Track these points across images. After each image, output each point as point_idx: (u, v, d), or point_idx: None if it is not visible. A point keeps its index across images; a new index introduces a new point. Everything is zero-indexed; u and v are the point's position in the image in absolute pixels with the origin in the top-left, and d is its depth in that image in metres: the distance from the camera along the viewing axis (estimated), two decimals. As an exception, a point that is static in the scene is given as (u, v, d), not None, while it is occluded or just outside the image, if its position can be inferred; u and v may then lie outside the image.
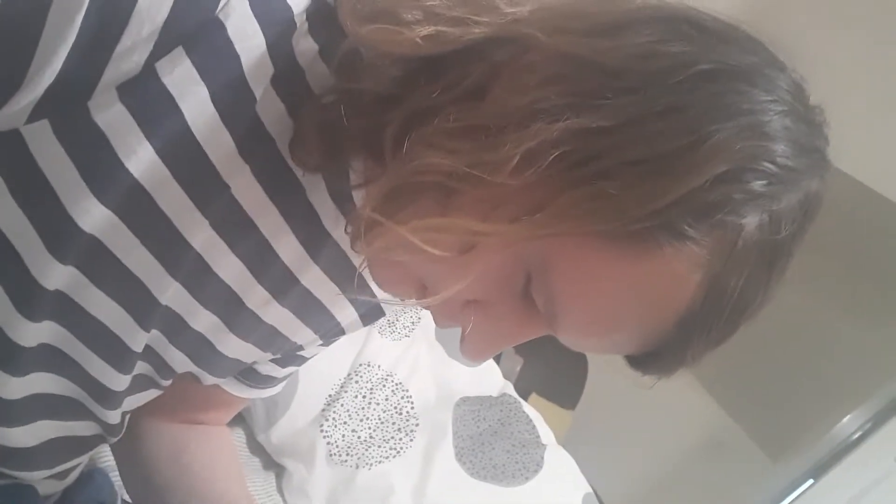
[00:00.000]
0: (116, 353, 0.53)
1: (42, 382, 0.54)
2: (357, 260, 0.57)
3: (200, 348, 0.59)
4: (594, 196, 0.38)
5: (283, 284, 0.56)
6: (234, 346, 0.60)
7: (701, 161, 0.36)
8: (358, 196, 0.51)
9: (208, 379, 0.65)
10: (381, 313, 0.71)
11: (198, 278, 0.51)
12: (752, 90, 0.38)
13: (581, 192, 0.38)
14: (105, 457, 0.89)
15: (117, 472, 0.90)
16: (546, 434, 1.58)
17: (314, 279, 0.57)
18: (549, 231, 0.39)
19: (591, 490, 1.54)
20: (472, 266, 0.42)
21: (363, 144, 0.46)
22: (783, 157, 0.38)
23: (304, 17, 0.45)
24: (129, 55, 0.39)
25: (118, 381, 0.56)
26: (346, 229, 0.51)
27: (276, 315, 0.59)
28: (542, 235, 0.39)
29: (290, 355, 0.70)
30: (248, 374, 0.70)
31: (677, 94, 0.37)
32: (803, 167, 0.39)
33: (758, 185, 0.37)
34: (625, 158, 0.37)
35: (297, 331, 0.63)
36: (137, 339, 0.53)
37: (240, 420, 1.22)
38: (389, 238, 0.42)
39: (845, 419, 1.75)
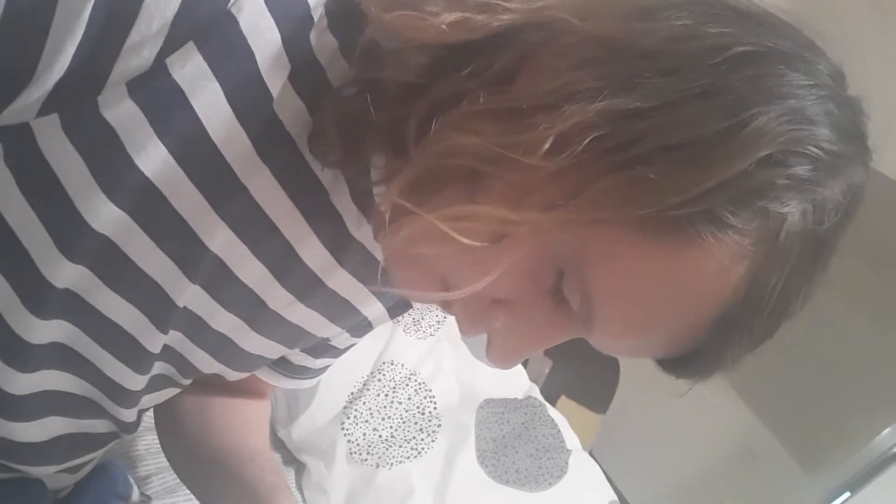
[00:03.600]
0: (133, 353, 0.52)
1: (54, 380, 0.53)
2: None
3: (223, 347, 0.58)
4: (631, 182, 0.36)
5: (307, 286, 0.55)
6: (257, 344, 0.59)
7: (743, 145, 0.35)
8: (379, 193, 0.49)
9: (232, 375, 0.64)
10: (409, 306, 0.69)
11: (218, 281, 0.50)
12: (792, 73, 0.36)
13: (617, 178, 0.36)
14: (122, 450, 0.89)
15: (134, 465, 0.90)
16: (571, 439, 1.56)
17: (340, 281, 0.56)
18: (584, 218, 0.37)
19: (615, 498, 1.51)
20: (501, 258, 0.40)
21: (385, 138, 0.44)
22: (828, 142, 0.36)
23: (323, 11, 0.43)
24: (139, 50, 0.38)
25: (135, 382, 0.55)
26: (369, 220, 0.49)
27: (300, 315, 0.58)
28: (576, 224, 0.38)
29: (321, 346, 0.69)
30: (281, 364, 0.69)
31: (716, 77, 0.35)
32: (848, 153, 0.37)
33: (802, 169, 0.36)
34: (663, 142, 0.35)
35: (323, 328, 0.62)
36: (155, 340, 0.52)
37: (261, 416, 1.22)
38: (415, 227, 0.40)
39: (885, 431, 1.70)
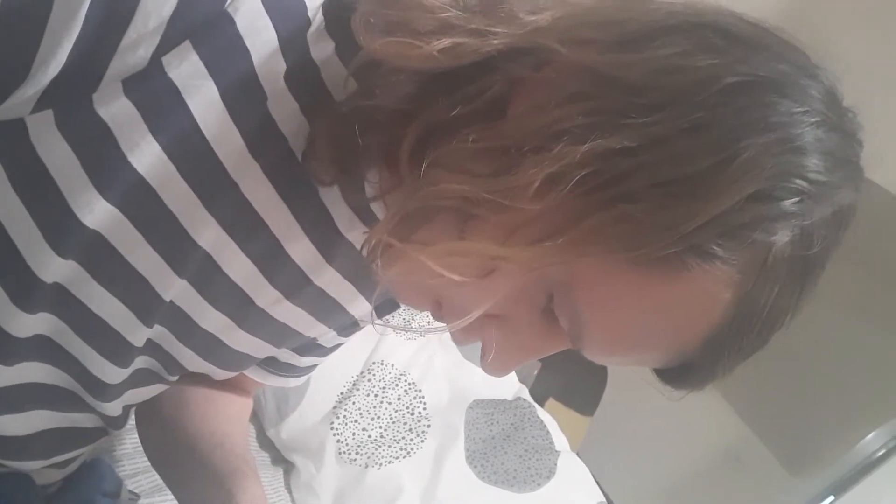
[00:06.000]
0: (114, 347, 0.52)
1: (35, 372, 0.53)
2: None
3: (209, 345, 0.58)
4: (618, 220, 0.36)
5: (295, 284, 0.55)
6: (244, 342, 0.59)
7: (730, 181, 0.35)
8: (375, 207, 0.50)
9: (219, 374, 0.64)
10: (396, 306, 0.70)
11: (205, 277, 0.50)
12: (781, 101, 0.36)
13: (605, 216, 0.36)
14: (111, 446, 0.89)
15: (122, 462, 0.90)
16: (560, 440, 1.56)
17: (328, 280, 0.56)
18: (571, 257, 0.38)
19: (604, 499, 1.52)
20: (492, 289, 0.41)
21: (377, 157, 0.45)
22: (815, 172, 0.36)
23: (321, 13, 0.44)
24: (135, 48, 0.39)
25: (114, 375, 0.55)
26: (361, 251, 0.50)
27: (288, 313, 0.58)
28: (564, 261, 0.38)
29: (308, 345, 0.69)
30: (268, 361, 0.69)
31: (703, 111, 0.35)
32: (836, 181, 0.37)
33: (789, 203, 0.36)
34: (650, 180, 0.35)
35: (310, 327, 0.62)
36: (138, 334, 0.52)
37: (250, 415, 1.21)
38: (407, 262, 0.41)
39: (869, 436, 1.71)
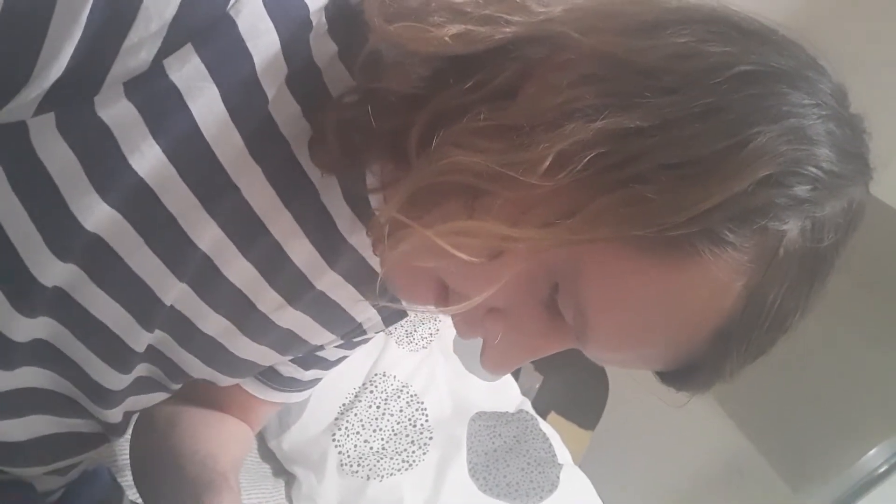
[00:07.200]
0: (115, 352, 0.52)
1: (35, 377, 0.53)
2: (376, 263, 0.55)
3: (212, 351, 0.57)
4: (630, 201, 0.36)
5: (296, 289, 0.55)
6: (247, 349, 0.59)
7: (743, 165, 0.35)
8: (375, 200, 0.50)
9: (223, 380, 0.63)
10: (404, 314, 0.70)
11: (206, 280, 0.50)
12: (792, 92, 0.37)
13: (616, 197, 0.36)
14: (112, 455, 0.89)
15: (124, 472, 0.90)
16: (562, 453, 1.56)
17: (331, 284, 0.56)
18: (582, 237, 0.37)
19: (606, 512, 1.51)
20: (498, 273, 0.40)
21: (384, 146, 0.45)
22: (828, 162, 0.36)
23: (323, 16, 0.44)
24: (137, 51, 0.39)
25: (115, 381, 0.55)
26: (367, 232, 0.50)
27: (290, 319, 0.58)
28: (574, 242, 0.38)
29: (311, 357, 0.69)
30: (270, 376, 0.69)
31: (717, 96, 0.36)
32: (848, 173, 0.37)
33: (802, 190, 0.36)
34: (663, 161, 0.36)
35: (315, 333, 0.62)
36: (139, 339, 0.52)
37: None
38: (414, 241, 0.41)
39: (871, 451, 1.70)
